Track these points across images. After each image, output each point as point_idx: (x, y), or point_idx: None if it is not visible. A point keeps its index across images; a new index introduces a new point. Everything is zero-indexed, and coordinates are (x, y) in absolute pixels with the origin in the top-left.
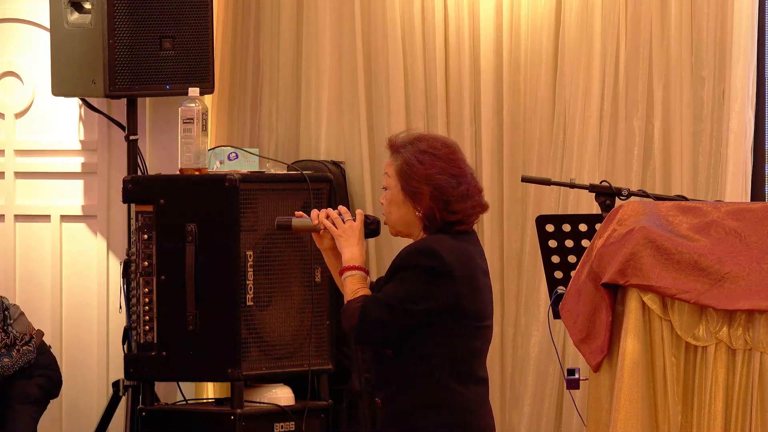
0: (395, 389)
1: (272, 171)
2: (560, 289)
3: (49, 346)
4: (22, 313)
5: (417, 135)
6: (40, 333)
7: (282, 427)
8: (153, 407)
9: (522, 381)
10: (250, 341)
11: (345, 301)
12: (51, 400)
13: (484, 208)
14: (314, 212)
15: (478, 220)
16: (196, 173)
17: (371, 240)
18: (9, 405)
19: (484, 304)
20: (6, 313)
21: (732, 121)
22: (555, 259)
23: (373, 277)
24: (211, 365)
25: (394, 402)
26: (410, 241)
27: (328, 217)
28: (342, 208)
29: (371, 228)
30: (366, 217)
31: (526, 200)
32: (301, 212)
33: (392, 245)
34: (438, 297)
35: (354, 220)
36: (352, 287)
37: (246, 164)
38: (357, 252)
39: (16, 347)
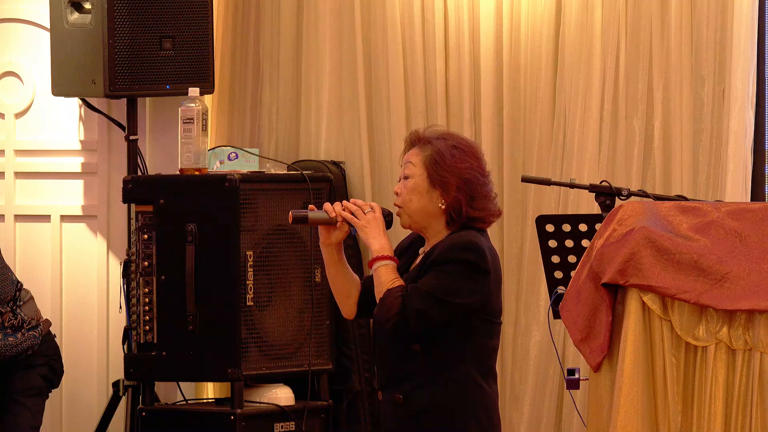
0: (420, 384)
1: (272, 171)
2: (560, 289)
3: (54, 335)
4: (32, 298)
5: (444, 132)
6: (48, 322)
7: (282, 427)
8: (153, 407)
9: (522, 381)
10: (250, 341)
11: (382, 291)
12: (53, 390)
13: (499, 212)
14: (327, 205)
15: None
16: (196, 173)
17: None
18: (14, 399)
19: (501, 302)
20: (18, 294)
21: (732, 121)
22: (555, 259)
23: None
24: (211, 365)
25: (418, 398)
26: (419, 235)
27: (345, 209)
28: (357, 201)
29: (387, 220)
30: (381, 209)
31: (526, 200)
32: (313, 206)
33: (392, 239)
34: (476, 293)
35: (372, 210)
36: (388, 277)
37: (246, 164)
38: (385, 242)
39: (22, 330)
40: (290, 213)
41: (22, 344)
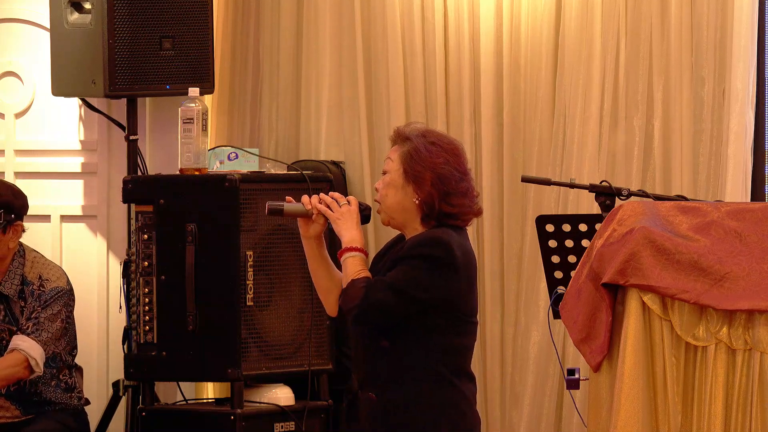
0: (391, 382)
1: (272, 171)
2: (560, 289)
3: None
4: (82, 377)
5: (426, 129)
6: (87, 401)
7: (282, 427)
8: (153, 407)
9: (522, 381)
10: (250, 341)
11: (347, 281)
12: None
13: (478, 211)
14: (305, 197)
15: (475, 221)
16: (196, 173)
17: (370, 229)
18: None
19: (476, 300)
20: (74, 360)
21: (732, 121)
22: (555, 259)
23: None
24: (211, 365)
25: (389, 396)
26: (398, 231)
27: (321, 201)
28: (335, 194)
29: (364, 214)
30: (359, 203)
31: (526, 200)
32: (290, 197)
33: (391, 235)
34: (441, 288)
35: (348, 204)
36: (355, 268)
37: (246, 164)
38: (357, 234)
39: (72, 393)
40: (267, 204)
41: (70, 401)
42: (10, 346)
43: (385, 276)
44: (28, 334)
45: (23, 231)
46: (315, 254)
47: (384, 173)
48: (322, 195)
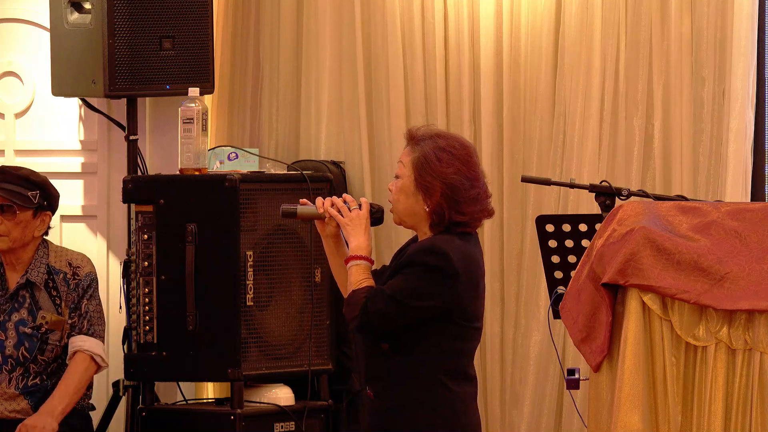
0: (389, 384)
1: (272, 171)
2: (560, 289)
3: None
4: None
5: (438, 131)
6: (93, 407)
7: (282, 427)
8: (153, 407)
9: (522, 381)
10: (250, 341)
11: (349, 290)
12: None
13: (490, 213)
14: (319, 200)
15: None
16: (196, 173)
17: (372, 229)
18: None
19: (481, 306)
20: None
21: (732, 121)
22: (555, 259)
23: (377, 266)
24: (211, 365)
25: (387, 396)
26: (412, 232)
27: (333, 205)
28: (347, 197)
29: (376, 217)
30: (371, 205)
31: (526, 200)
32: (305, 200)
33: (392, 235)
34: (441, 296)
35: (359, 208)
36: (358, 277)
37: (246, 164)
38: (364, 241)
39: (88, 390)
40: (281, 207)
41: (81, 401)
42: (71, 348)
43: (385, 285)
44: (85, 333)
45: (49, 227)
46: (333, 252)
47: (396, 177)
48: (334, 198)
